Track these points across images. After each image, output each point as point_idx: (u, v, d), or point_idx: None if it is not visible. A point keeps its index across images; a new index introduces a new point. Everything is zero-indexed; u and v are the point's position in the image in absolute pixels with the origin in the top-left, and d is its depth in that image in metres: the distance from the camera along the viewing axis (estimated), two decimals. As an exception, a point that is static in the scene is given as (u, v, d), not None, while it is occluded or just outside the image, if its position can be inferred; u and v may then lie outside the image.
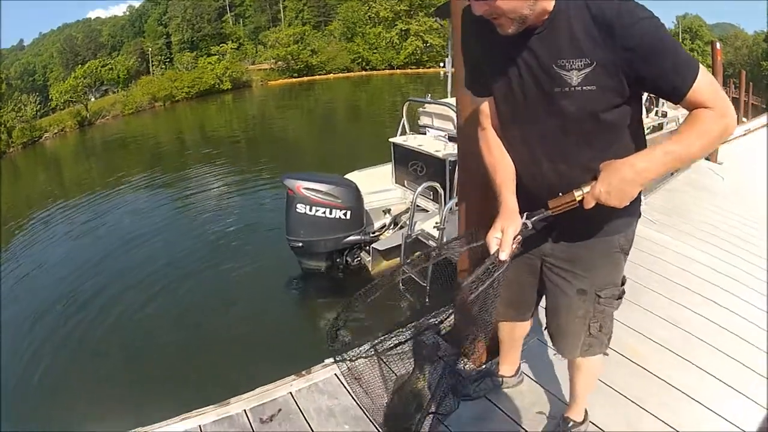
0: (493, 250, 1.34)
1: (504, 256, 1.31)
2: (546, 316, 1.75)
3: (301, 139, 15.99)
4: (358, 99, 27.02)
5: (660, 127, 7.08)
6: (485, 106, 1.48)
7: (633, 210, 1.47)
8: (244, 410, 2.27)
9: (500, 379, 2.30)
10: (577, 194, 1.27)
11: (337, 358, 1.49)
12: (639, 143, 1.37)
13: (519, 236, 1.35)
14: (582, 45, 1.17)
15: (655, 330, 2.79)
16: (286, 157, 12.46)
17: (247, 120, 21.35)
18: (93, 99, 25.83)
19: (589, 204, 1.25)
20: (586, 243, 1.48)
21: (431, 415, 1.64)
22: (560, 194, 1.31)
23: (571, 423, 1.99)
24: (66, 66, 27.74)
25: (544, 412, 2.20)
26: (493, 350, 2.38)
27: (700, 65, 1.14)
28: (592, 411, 2.10)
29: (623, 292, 1.59)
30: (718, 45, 7.99)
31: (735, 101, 14.12)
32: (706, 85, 1.14)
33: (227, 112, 24.82)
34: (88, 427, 3.45)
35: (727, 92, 16.08)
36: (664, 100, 7.27)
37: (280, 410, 2.27)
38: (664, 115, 7.20)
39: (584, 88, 1.19)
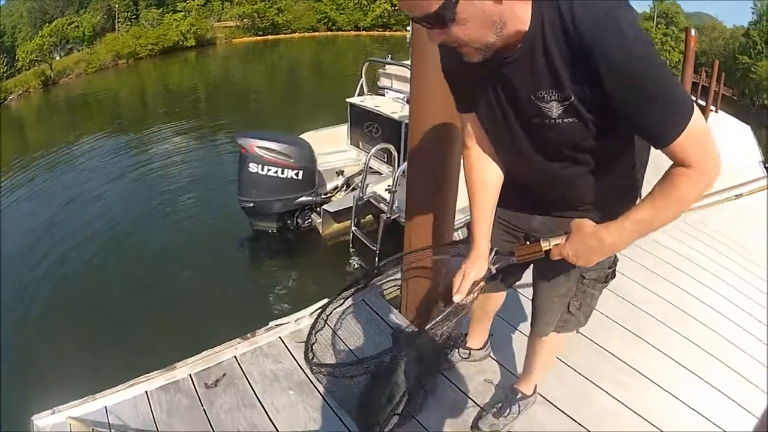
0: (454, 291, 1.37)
1: (457, 299, 1.34)
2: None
3: (263, 98, 15.95)
4: (322, 59, 26.97)
5: None
6: (469, 125, 1.39)
7: (630, 195, 1.40)
8: (190, 375, 2.24)
9: (468, 351, 2.30)
10: (545, 245, 1.27)
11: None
12: (637, 165, 1.34)
13: (482, 282, 1.38)
14: (560, 76, 1.04)
15: (610, 306, 2.83)
16: (246, 116, 12.39)
17: (209, 78, 21.19)
18: (58, 58, 24.95)
19: (555, 258, 1.26)
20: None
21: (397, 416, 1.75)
22: (547, 214, 1.39)
23: (520, 395, 2.00)
24: (34, 25, 26.63)
25: (492, 381, 2.21)
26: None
27: (695, 109, 1.02)
28: (544, 385, 2.13)
29: (610, 276, 1.56)
30: (693, 32, 8.07)
31: (705, 90, 14.36)
32: (695, 137, 1.03)
33: (190, 69, 24.51)
34: (34, 397, 3.34)
35: (697, 80, 16.37)
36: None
37: (224, 375, 2.25)
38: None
39: (565, 120, 1.10)
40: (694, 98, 12.16)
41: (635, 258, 3.49)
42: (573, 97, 1.05)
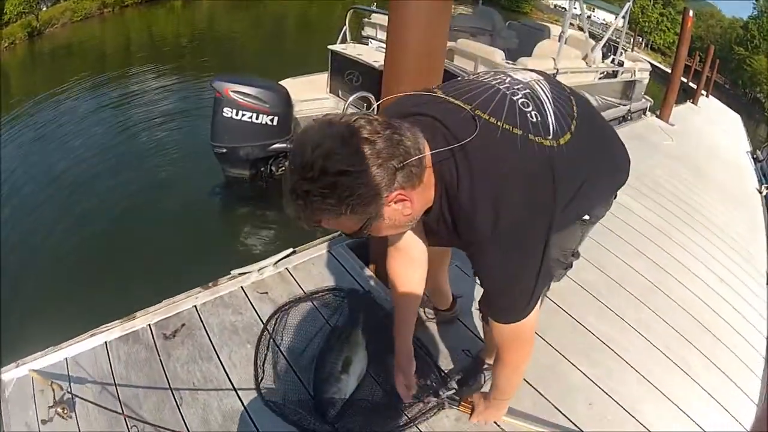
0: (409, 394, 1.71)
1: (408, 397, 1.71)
2: None
3: (248, 46, 15.80)
4: (310, 12, 26.61)
5: (614, 74, 7.10)
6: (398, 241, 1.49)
7: (600, 199, 1.43)
8: (149, 325, 2.15)
9: (434, 310, 2.22)
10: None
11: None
12: None
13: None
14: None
15: (581, 273, 2.77)
16: (229, 65, 12.21)
17: (194, 27, 20.84)
18: (45, 8, 24.18)
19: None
20: None
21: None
22: None
23: (486, 365, 1.92)
24: None
25: (458, 347, 2.12)
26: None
27: (532, 312, 1.21)
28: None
29: (569, 265, 1.53)
30: (690, 13, 7.99)
31: (697, 74, 14.32)
32: (516, 333, 1.27)
33: (176, 18, 24.07)
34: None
35: (690, 62, 16.32)
36: (621, 51, 7.30)
37: (183, 325, 2.15)
38: (621, 64, 7.22)
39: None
40: (684, 80, 12.09)
41: (615, 231, 3.44)
42: None
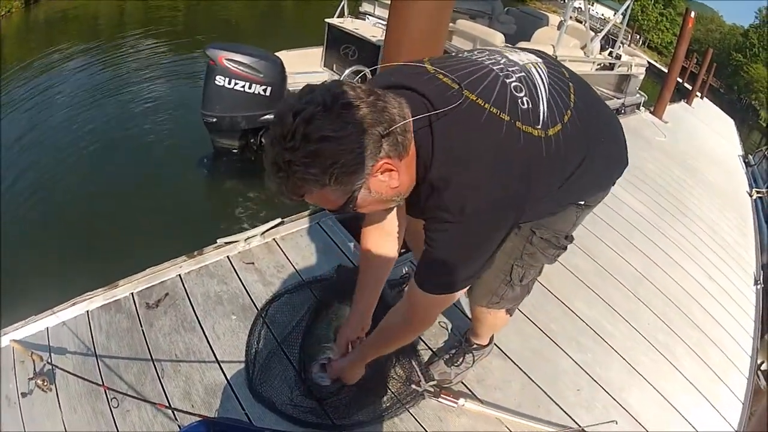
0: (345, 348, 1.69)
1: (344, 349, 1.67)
2: None
3: (244, 23, 15.56)
4: None
5: (611, 67, 7.11)
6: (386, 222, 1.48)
7: (594, 188, 1.38)
8: (132, 293, 2.09)
9: None
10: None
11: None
12: None
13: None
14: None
15: (572, 258, 2.76)
16: (225, 36, 12.16)
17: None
18: None
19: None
20: None
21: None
22: None
23: (475, 345, 1.88)
24: None
25: (447, 325, 2.11)
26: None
27: (449, 297, 1.18)
28: (503, 336, 2.06)
29: (563, 248, 1.45)
30: (692, 14, 8.02)
31: (693, 76, 14.38)
32: (427, 304, 1.22)
33: None
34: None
35: (687, 65, 16.40)
36: (620, 44, 7.30)
37: (167, 294, 2.10)
38: (618, 57, 7.23)
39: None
40: (680, 80, 12.12)
41: (607, 220, 3.45)
42: None
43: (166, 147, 5.58)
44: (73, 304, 2.00)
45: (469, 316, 2.05)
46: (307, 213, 2.59)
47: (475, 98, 1.03)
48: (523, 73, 1.11)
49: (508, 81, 1.08)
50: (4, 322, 1.92)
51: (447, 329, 2.08)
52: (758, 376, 2.71)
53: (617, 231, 3.38)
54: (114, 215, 4.32)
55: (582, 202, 1.37)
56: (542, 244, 1.40)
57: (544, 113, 1.08)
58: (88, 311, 1.99)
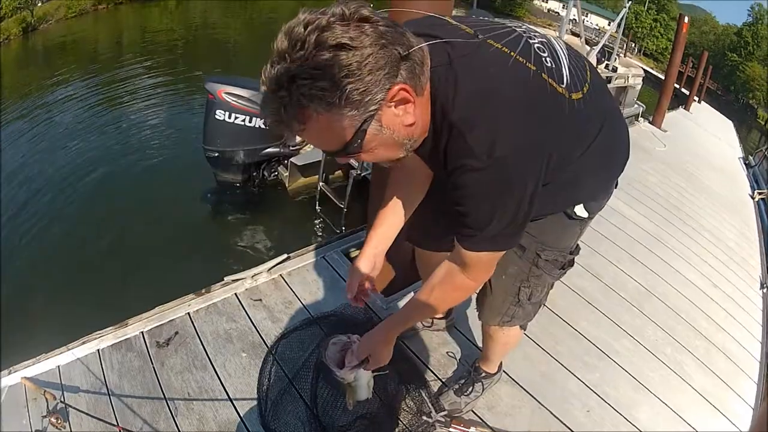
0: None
1: (348, 296, 1.41)
2: None
3: (241, 48, 15.70)
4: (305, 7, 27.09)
5: (608, 80, 7.19)
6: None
7: (602, 182, 1.34)
8: (142, 332, 2.13)
9: (429, 320, 2.20)
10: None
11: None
12: None
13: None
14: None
15: (574, 278, 2.78)
16: (223, 66, 12.13)
17: (188, 26, 20.91)
18: (40, 4, 24.30)
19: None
20: None
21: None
22: None
23: (484, 374, 1.90)
24: None
25: (455, 355, 2.13)
26: (411, 277, 2.33)
27: (508, 243, 1.10)
28: (510, 362, 2.07)
29: (569, 263, 1.43)
30: (686, 19, 8.09)
31: (690, 80, 14.49)
32: (484, 262, 1.13)
33: (169, 16, 24.13)
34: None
35: (684, 69, 16.52)
36: (615, 56, 7.34)
37: (176, 333, 2.14)
38: (615, 69, 7.28)
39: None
40: (677, 86, 12.20)
41: (610, 237, 3.48)
42: None
43: (169, 181, 5.64)
44: (84, 343, 2.04)
45: (477, 344, 2.10)
46: (312, 248, 2.63)
47: (499, 46, 0.98)
48: (545, 39, 1.08)
49: (531, 41, 1.03)
50: (12, 360, 1.95)
51: (455, 359, 2.11)
52: None
53: (620, 247, 3.41)
54: (119, 251, 4.36)
55: (585, 215, 1.34)
56: (548, 266, 1.39)
57: (567, 76, 1.04)
58: (99, 350, 2.03)
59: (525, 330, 1.66)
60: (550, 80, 0.99)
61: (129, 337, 2.10)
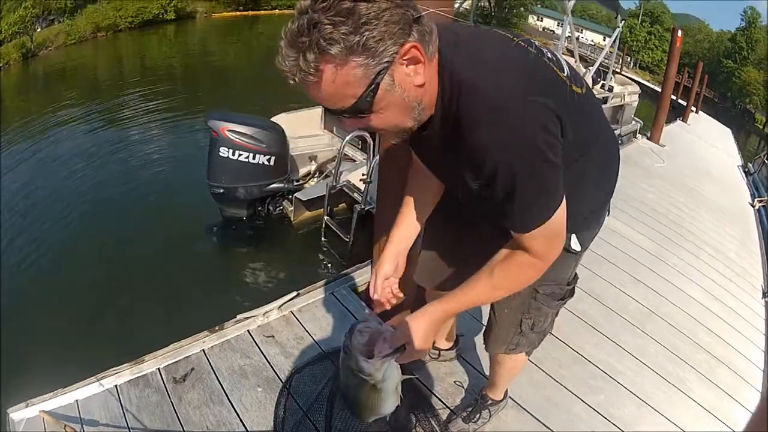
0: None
1: (375, 297, 1.38)
2: None
3: (240, 76, 15.81)
4: None
5: (605, 100, 7.25)
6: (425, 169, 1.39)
7: (591, 211, 1.37)
8: (158, 369, 2.19)
9: (437, 351, 2.28)
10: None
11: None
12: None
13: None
14: (467, 159, 1.05)
15: (576, 303, 2.84)
16: (222, 95, 12.24)
17: (187, 53, 21.10)
18: (39, 30, 24.58)
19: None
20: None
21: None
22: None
23: (490, 401, 1.98)
24: None
25: (462, 383, 2.21)
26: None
27: (557, 211, 1.06)
28: (516, 387, 2.13)
29: (569, 294, 1.49)
30: (679, 32, 8.21)
31: (687, 90, 14.63)
32: (545, 235, 1.08)
33: (168, 44, 24.40)
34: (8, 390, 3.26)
35: (679, 79, 16.65)
36: (611, 76, 7.42)
37: (192, 369, 2.20)
38: (610, 89, 7.37)
39: (483, 193, 1.09)
40: (674, 97, 12.30)
41: (611, 259, 3.55)
42: (481, 183, 1.07)
43: (175, 215, 5.69)
44: (102, 378, 2.10)
45: (483, 373, 2.18)
46: (321, 284, 2.72)
47: (503, 32, 1.08)
48: (540, 45, 1.12)
49: (531, 42, 1.09)
50: (28, 394, 1.99)
51: (463, 387, 2.18)
52: None
53: (621, 269, 3.48)
54: (128, 287, 4.40)
55: (578, 248, 1.38)
56: (546, 299, 1.46)
57: (567, 70, 1.10)
58: (116, 385, 2.09)
59: (530, 356, 1.72)
60: (552, 65, 1.05)
61: (146, 373, 2.17)
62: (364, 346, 1.16)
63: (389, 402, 1.23)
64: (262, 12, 32.87)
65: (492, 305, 1.57)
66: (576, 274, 1.50)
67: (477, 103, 0.96)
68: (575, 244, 1.37)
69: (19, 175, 7.17)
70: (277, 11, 33.67)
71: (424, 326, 1.18)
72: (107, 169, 7.30)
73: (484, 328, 1.66)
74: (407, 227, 1.44)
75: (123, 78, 15.40)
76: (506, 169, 0.98)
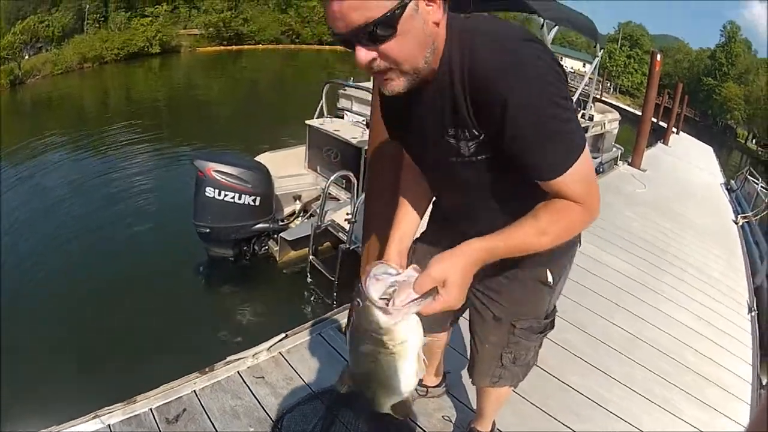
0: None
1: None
2: None
3: (224, 113, 15.85)
4: (285, 73, 27.49)
5: (585, 130, 7.40)
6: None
7: (564, 244, 1.34)
8: (150, 409, 2.20)
9: (425, 388, 2.30)
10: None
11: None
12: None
13: None
14: (467, 116, 1.06)
15: (561, 334, 2.89)
16: (206, 131, 12.18)
17: (172, 88, 21.29)
18: (27, 57, 24.83)
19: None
20: (509, 272, 1.43)
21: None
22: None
23: (479, 435, 2.02)
24: (8, 21, 26.60)
25: (451, 418, 2.24)
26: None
27: (585, 148, 1.04)
28: (504, 420, 2.15)
29: (548, 327, 1.52)
30: (658, 57, 8.40)
31: (668, 111, 14.95)
32: (578, 179, 1.04)
33: (153, 77, 24.63)
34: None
35: (659, 101, 17.04)
36: (591, 104, 7.57)
37: (184, 410, 2.22)
38: (591, 118, 7.50)
39: (478, 158, 1.11)
40: (655, 120, 12.53)
41: (595, 289, 3.62)
42: (483, 135, 1.07)
43: (162, 254, 5.68)
44: (94, 417, 2.11)
45: (470, 407, 2.22)
46: (308, 325, 2.76)
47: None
48: None
49: None
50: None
51: (451, 422, 2.22)
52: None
53: (606, 298, 3.54)
54: (116, 327, 4.35)
55: (551, 280, 1.43)
56: (525, 333, 1.50)
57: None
58: (110, 425, 2.09)
59: (515, 388, 1.76)
60: None
61: (138, 413, 2.17)
62: (380, 298, 0.98)
63: (410, 373, 1.03)
64: (246, 47, 33.28)
65: (473, 337, 1.61)
66: (555, 306, 1.54)
67: (487, 46, 1.00)
68: (550, 277, 1.42)
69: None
70: (260, 46, 34.10)
71: (462, 265, 1.02)
72: (92, 205, 7.25)
73: (468, 362, 1.71)
74: (406, 225, 1.42)
75: (108, 111, 15.49)
76: (526, 102, 0.97)
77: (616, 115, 8.59)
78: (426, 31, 0.99)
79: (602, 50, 7.42)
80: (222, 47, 32.34)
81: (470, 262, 1.03)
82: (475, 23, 1.06)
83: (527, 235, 1.07)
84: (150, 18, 29.56)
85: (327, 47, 35.80)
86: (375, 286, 0.98)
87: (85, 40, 26.69)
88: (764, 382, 3.09)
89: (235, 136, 11.45)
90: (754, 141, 39.70)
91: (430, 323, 1.63)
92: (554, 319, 1.55)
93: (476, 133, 1.07)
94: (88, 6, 29.10)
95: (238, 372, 2.44)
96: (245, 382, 2.39)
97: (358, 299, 0.98)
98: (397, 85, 1.04)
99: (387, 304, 0.95)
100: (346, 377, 1.17)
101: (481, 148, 1.09)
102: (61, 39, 27.17)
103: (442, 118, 1.11)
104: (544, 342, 1.60)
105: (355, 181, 4.47)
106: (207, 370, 2.45)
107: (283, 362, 2.53)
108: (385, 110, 1.37)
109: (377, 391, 1.08)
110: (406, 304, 0.95)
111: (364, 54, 0.97)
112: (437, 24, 1.00)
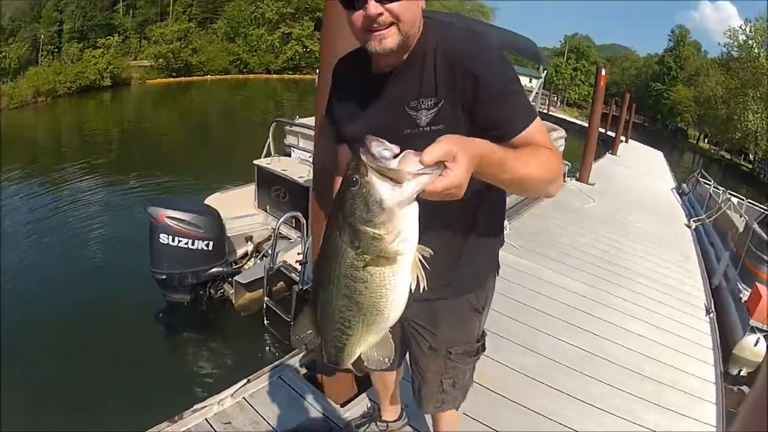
0: None
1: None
2: None
3: (174, 148, 15.94)
4: (233, 104, 27.64)
5: None
6: (342, 154, 1.53)
7: (486, 268, 1.57)
8: (127, 458, 2.23)
9: (385, 424, 2.36)
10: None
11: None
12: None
13: None
14: (432, 84, 1.22)
15: (512, 357, 2.95)
16: (158, 168, 11.96)
17: (122, 123, 21.29)
18: None
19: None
20: (436, 302, 1.52)
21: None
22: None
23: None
24: None
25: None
26: (362, 382, 2.56)
27: (537, 116, 1.26)
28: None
29: (480, 349, 1.66)
30: (603, 71, 8.63)
31: (615, 119, 15.46)
32: (541, 130, 1.23)
33: (105, 111, 24.52)
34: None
35: (607, 110, 17.64)
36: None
37: (159, 459, 2.25)
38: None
39: (432, 128, 1.22)
40: (603, 130, 12.78)
41: (546, 310, 3.70)
42: (442, 101, 1.22)
43: (118, 301, 5.53)
44: None
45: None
46: (268, 369, 2.80)
47: None
48: None
49: None
50: None
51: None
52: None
53: (559, 318, 3.62)
54: (75, 376, 4.27)
55: (481, 307, 1.59)
56: (460, 358, 1.61)
57: None
58: None
59: (458, 408, 1.85)
60: None
61: None
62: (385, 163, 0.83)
63: (403, 291, 0.90)
64: (195, 78, 33.21)
65: (414, 368, 1.73)
66: (484, 331, 1.67)
67: (463, 33, 1.25)
68: (478, 303, 1.57)
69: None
70: (209, 77, 34.01)
71: (471, 147, 0.96)
72: (42, 253, 7.04)
73: (412, 390, 1.81)
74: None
75: (60, 149, 15.28)
76: (495, 75, 1.20)
77: (562, 132, 8.74)
78: (420, 8, 1.21)
79: (545, 71, 7.66)
80: (171, 79, 32.21)
81: (477, 146, 0.98)
82: (450, 18, 1.34)
83: (515, 159, 1.07)
84: (102, 49, 29.30)
85: (275, 76, 36.14)
86: (379, 150, 0.83)
87: (40, 73, 26.33)
88: (736, 372, 3.30)
89: (186, 172, 11.41)
90: (706, 140, 40.98)
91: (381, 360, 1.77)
92: (485, 342, 1.67)
93: (436, 101, 1.23)
94: (42, 36, 28.69)
95: (206, 419, 2.48)
96: (213, 429, 2.42)
97: (355, 175, 0.84)
98: (392, 41, 1.18)
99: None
100: (301, 325, 1.06)
101: (438, 118, 1.23)
102: (18, 71, 26.72)
103: (405, 92, 1.26)
104: (502, 369, 1.72)
105: (304, 221, 4.53)
106: (176, 418, 2.47)
107: (248, 407, 2.57)
108: (338, 105, 1.47)
109: (354, 326, 0.93)
110: (418, 172, 0.82)
111: (374, 7, 1.13)
112: (422, 10, 1.22)
